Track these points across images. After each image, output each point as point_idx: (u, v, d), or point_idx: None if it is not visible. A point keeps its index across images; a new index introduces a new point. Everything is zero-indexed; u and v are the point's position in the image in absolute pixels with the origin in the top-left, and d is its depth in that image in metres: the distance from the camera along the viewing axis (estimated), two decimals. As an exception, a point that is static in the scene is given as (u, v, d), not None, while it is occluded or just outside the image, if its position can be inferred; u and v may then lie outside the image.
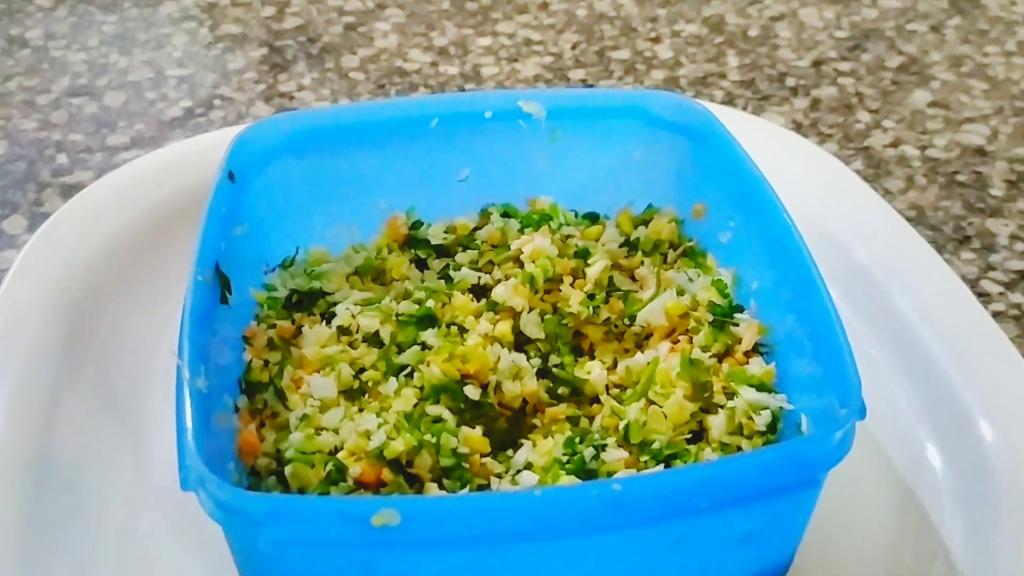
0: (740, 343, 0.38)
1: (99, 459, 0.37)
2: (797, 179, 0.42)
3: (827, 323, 0.33)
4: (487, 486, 0.33)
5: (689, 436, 0.36)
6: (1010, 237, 0.50)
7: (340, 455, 0.33)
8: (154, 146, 0.56)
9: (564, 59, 0.65)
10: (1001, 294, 0.47)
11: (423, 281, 0.42)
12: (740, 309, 0.39)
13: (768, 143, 0.43)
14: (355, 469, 0.32)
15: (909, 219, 0.48)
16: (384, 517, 0.26)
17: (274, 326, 0.39)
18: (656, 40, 0.67)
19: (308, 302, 0.41)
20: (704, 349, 0.38)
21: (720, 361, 0.38)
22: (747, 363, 0.38)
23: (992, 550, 0.34)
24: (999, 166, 0.55)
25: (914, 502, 0.37)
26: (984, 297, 0.47)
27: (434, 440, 0.33)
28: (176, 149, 0.51)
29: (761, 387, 0.36)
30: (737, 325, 0.38)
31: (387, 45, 0.66)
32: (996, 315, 0.46)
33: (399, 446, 0.33)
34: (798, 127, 0.59)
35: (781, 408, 0.35)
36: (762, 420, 0.35)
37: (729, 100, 0.61)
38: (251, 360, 0.37)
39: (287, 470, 0.33)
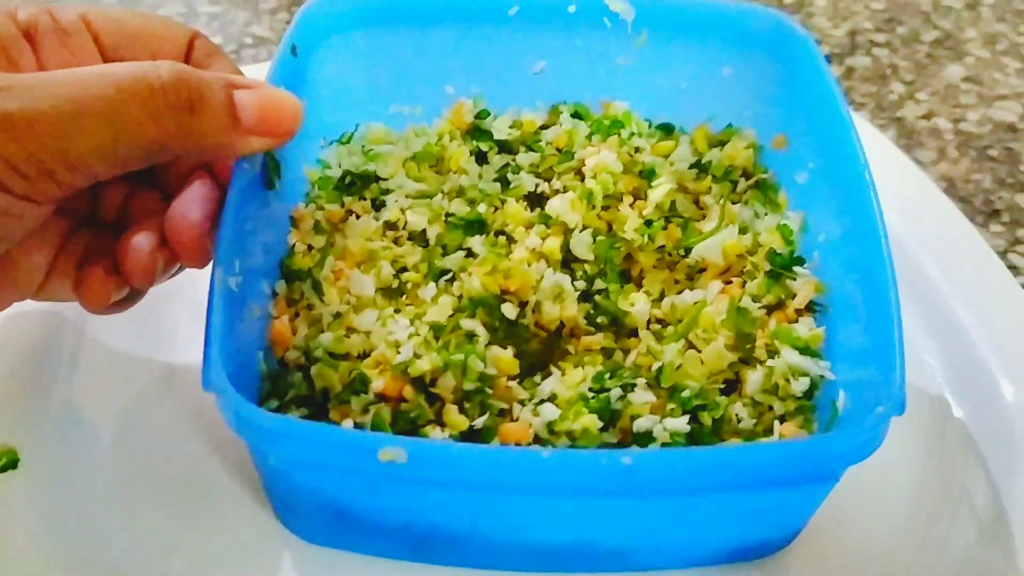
0: (794, 299, 0.36)
1: (132, 362, 0.37)
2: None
3: (883, 296, 0.31)
4: (508, 411, 0.33)
5: (723, 386, 0.35)
6: (1040, 213, 0.49)
7: (365, 363, 0.33)
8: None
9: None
10: (1029, 267, 0.47)
11: (480, 178, 0.40)
12: (801, 261, 0.37)
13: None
14: (378, 383, 0.32)
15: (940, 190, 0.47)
16: (391, 454, 0.27)
17: (322, 208, 0.38)
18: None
19: (360, 185, 0.40)
20: (755, 298, 0.36)
21: (770, 313, 0.36)
22: (797, 320, 0.36)
23: (1012, 500, 0.34)
24: (1031, 144, 0.53)
25: (937, 457, 0.37)
26: (1012, 270, 0.46)
27: (461, 361, 0.33)
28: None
29: (805, 350, 0.35)
30: (795, 279, 0.37)
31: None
32: (1024, 288, 0.44)
33: (424, 365, 0.32)
34: (831, 95, 0.56)
35: (822, 377, 0.34)
36: (799, 386, 0.34)
37: (762, 64, 0.58)
38: (295, 244, 0.37)
39: (313, 369, 0.33)
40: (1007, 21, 0.63)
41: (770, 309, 0.37)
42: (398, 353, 0.33)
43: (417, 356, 0.33)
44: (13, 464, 0.32)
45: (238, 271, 0.31)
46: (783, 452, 0.28)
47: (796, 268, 0.37)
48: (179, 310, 0.38)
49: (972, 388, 0.38)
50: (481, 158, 0.41)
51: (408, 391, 0.32)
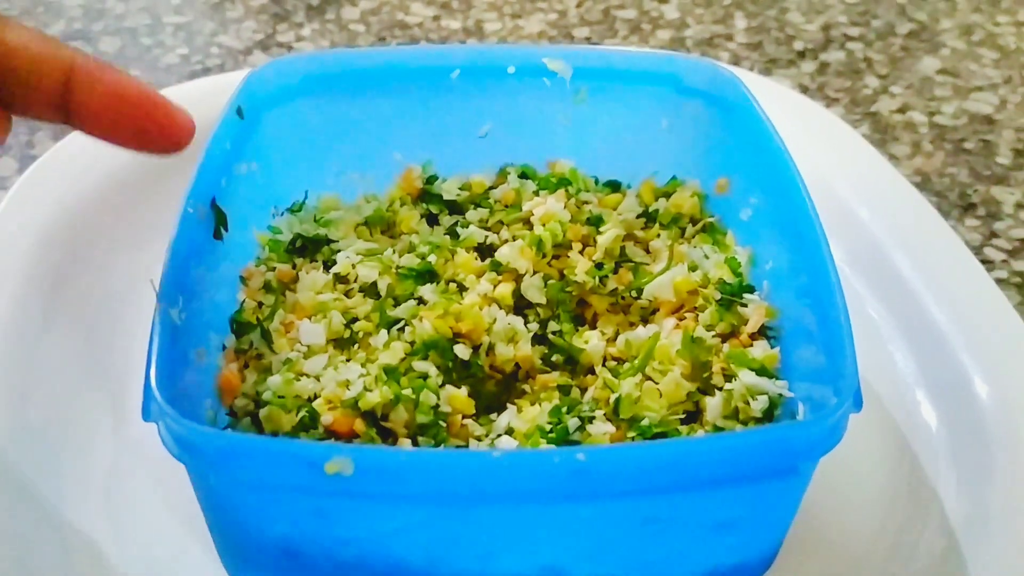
0: (746, 324, 0.36)
1: (81, 402, 0.37)
2: (805, 141, 0.41)
3: (833, 313, 0.31)
4: (464, 447, 0.32)
5: (683, 416, 0.35)
6: (1015, 205, 0.50)
7: (316, 403, 0.32)
8: (149, 92, 0.55)
9: (569, 17, 0.63)
10: (1004, 261, 0.47)
11: (431, 235, 0.41)
12: (751, 289, 0.37)
13: (776, 105, 0.41)
14: (327, 417, 0.31)
15: (915, 185, 0.48)
16: (338, 465, 0.26)
17: (274, 269, 0.38)
18: (663, 0, 0.65)
19: (312, 248, 0.40)
20: (709, 328, 0.36)
21: (724, 341, 0.36)
22: (752, 345, 0.36)
23: (984, 504, 0.33)
24: (1006, 135, 0.54)
25: (909, 458, 0.36)
26: (987, 264, 0.47)
27: (413, 395, 0.32)
28: (171, 94, 0.50)
29: (762, 371, 0.34)
30: (745, 305, 0.37)
31: (389, -3, 0.65)
32: (998, 282, 0.45)
33: (374, 398, 0.32)
34: (804, 91, 0.57)
35: (780, 395, 0.34)
36: (758, 405, 0.33)
37: (735, 62, 0.59)
38: (244, 300, 0.37)
39: (262, 412, 0.32)
40: (982, 11, 0.64)
41: (724, 337, 0.36)
42: (348, 390, 0.32)
43: (368, 390, 0.32)
44: None
45: (182, 307, 0.31)
46: (742, 441, 0.27)
47: (746, 295, 0.37)
48: (133, 351, 0.36)
49: (946, 387, 0.37)
50: (432, 220, 0.42)
51: (359, 425, 0.31)
